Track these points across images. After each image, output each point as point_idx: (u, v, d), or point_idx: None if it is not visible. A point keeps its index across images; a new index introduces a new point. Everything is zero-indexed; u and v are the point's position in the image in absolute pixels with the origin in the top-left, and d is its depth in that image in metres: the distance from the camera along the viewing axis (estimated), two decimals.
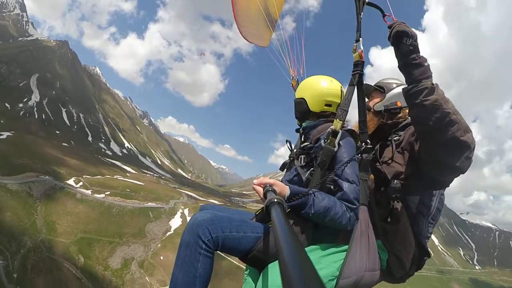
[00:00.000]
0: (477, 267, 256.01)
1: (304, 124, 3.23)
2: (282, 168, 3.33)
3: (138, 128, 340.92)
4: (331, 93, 3.10)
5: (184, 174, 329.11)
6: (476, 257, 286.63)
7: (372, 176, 3.02)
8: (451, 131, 2.32)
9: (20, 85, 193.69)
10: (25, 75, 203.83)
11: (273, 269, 2.35)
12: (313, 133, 3.05)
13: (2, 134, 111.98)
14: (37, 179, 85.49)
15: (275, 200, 1.91)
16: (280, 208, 1.78)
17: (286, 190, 2.45)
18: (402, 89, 2.64)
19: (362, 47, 2.91)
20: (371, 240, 2.67)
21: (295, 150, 3.20)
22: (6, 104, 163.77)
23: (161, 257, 79.17)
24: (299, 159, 2.98)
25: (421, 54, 2.50)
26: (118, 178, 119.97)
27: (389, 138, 3.23)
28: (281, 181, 2.68)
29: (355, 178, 2.64)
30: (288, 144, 3.37)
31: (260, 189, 2.32)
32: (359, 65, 2.91)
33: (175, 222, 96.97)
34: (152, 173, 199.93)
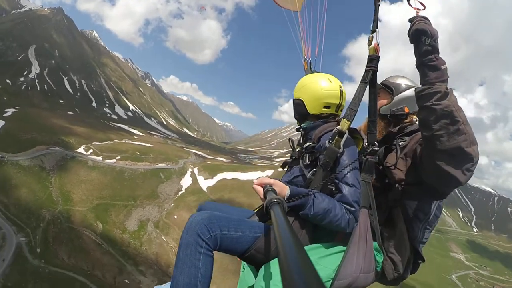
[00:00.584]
0: (474, 230, 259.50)
1: (304, 125, 3.19)
2: (283, 166, 3.30)
3: (141, 90, 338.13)
4: (329, 94, 3.02)
5: (190, 133, 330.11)
6: (474, 219, 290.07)
7: (373, 180, 2.96)
8: (458, 140, 2.27)
9: (19, 58, 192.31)
10: (23, 48, 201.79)
11: (273, 267, 2.38)
12: (314, 133, 3.01)
13: (7, 111, 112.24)
14: (47, 152, 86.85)
15: (275, 200, 1.93)
16: (280, 208, 1.79)
17: (286, 190, 2.46)
18: (415, 88, 2.54)
19: (378, 40, 2.76)
20: (368, 243, 2.69)
21: (297, 150, 3.21)
22: (7, 80, 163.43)
23: (175, 216, 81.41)
24: (304, 158, 2.96)
25: (440, 55, 2.41)
26: (127, 141, 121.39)
27: (394, 143, 3.16)
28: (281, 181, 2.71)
29: (355, 182, 2.64)
30: (290, 143, 3.38)
31: (260, 189, 2.35)
32: (374, 61, 2.80)
33: (186, 182, 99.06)
34: (159, 134, 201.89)
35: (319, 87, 3.01)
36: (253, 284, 2.54)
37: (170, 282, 2.61)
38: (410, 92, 3.31)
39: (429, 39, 2.35)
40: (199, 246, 2.21)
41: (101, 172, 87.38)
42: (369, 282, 2.68)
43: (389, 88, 3.42)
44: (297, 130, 3.30)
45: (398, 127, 3.33)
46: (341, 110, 3.12)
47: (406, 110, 3.31)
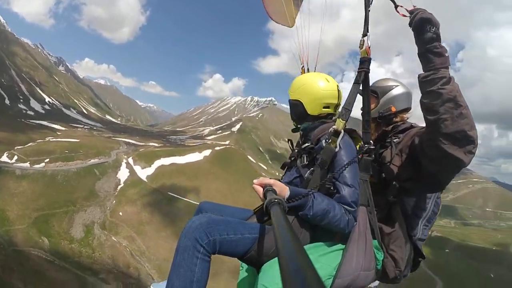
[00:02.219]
0: None
1: (304, 125, 3.20)
2: (283, 167, 3.33)
3: (56, 78, 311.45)
4: (329, 95, 3.05)
5: (114, 120, 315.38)
6: None
7: (370, 178, 3.02)
8: (461, 123, 2.36)
9: None
10: None
11: (273, 266, 2.39)
12: (313, 134, 3.03)
13: None
14: None
15: (275, 200, 1.94)
16: (280, 208, 1.80)
17: (286, 190, 2.48)
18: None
19: (369, 43, 2.88)
20: (368, 240, 2.72)
21: (296, 150, 3.23)
22: None
23: (120, 213, 77.98)
24: (301, 158, 3.00)
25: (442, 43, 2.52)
26: (51, 140, 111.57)
27: (388, 140, 3.25)
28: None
29: (354, 182, 2.67)
30: (289, 143, 3.43)
31: (260, 189, 2.36)
32: (366, 62, 2.90)
33: (123, 174, 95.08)
34: (82, 126, 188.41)
35: (318, 87, 3.05)
36: (253, 284, 2.57)
37: (165, 281, 2.74)
38: (395, 91, 3.54)
39: (434, 27, 2.44)
40: (197, 251, 2.25)
41: (32, 180, 78.95)
42: (370, 281, 2.74)
43: (374, 92, 3.54)
44: (293, 131, 3.36)
45: (391, 126, 3.43)
46: (339, 110, 3.13)
47: (393, 109, 3.48)
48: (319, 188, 2.66)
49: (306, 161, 2.94)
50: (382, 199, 3.03)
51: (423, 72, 2.54)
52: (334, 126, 2.79)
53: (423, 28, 2.47)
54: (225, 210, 3.12)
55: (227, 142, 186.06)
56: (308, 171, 2.84)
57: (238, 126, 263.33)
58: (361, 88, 2.99)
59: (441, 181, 2.76)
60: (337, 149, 2.72)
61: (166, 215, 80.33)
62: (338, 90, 3.13)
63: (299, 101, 3.14)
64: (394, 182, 2.96)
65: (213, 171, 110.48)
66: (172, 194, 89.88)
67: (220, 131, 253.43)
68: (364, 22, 2.91)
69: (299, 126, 3.30)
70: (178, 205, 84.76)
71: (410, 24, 2.56)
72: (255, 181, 2.46)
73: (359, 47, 2.91)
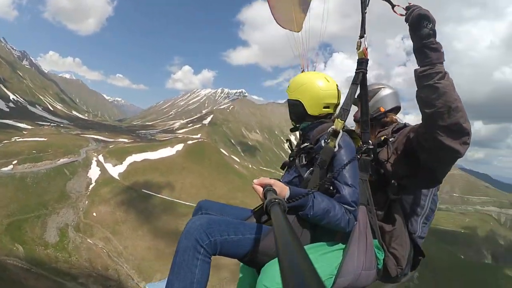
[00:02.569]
0: None
1: (303, 125, 3.19)
2: (283, 167, 3.33)
3: (20, 74, 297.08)
4: (329, 94, 3.05)
5: (81, 116, 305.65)
6: None
7: (369, 177, 3.07)
8: (456, 116, 2.44)
9: None
10: None
11: (274, 267, 2.37)
12: (312, 134, 3.04)
13: None
14: None
15: (275, 200, 1.93)
16: (280, 208, 1.79)
17: (286, 190, 2.48)
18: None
19: (366, 44, 2.94)
20: (368, 239, 2.75)
21: (295, 150, 3.23)
22: None
23: (94, 214, 75.89)
24: (300, 158, 3.00)
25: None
26: (17, 140, 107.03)
27: (384, 140, 3.28)
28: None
29: (354, 181, 2.69)
30: (288, 143, 3.47)
31: (260, 189, 2.36)
32: (363, 63, 2.96)
33: (94, 173, 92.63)
34: (48, 123, 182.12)
35: (318, 87, 3.04)
36: (253, 285, 2.60)
37: (161, 281, 2.76)
38: (381, 92, 3.71)
39: (431, 24, 2.52)
40: (197, 252, 2.26)
41: (0, 184, 75.13)
42: (371, 281, 2.77)
43: None
44: (292, 130, 3.35)
45: (386, 127, 3.60)
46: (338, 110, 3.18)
47: (382, 109, 3.64)
48: (318, 188, 2.67)
49: (305, 161, 2.95)
50: (381, 197, 3.10)
51: (420, 67, 2.61)
52: (333, 126, 2.80)
53: (420, 24, 2.53)
54: (225, 209, 3.11)
55: (198, 136, 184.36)
56: (308, 171, 2.87)
57: (209, 119, 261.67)
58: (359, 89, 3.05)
59: (438, 175, 2.82)
60: (336, 149, 2.75)
61: (141, 213, 79.08)
62: (338, 90, 3.14)
63: (298, 101, 3.13)
64: (393, 181, 3.04)
65: (186, 165, 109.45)
66: (146, 191, 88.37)
67: (191, 124, 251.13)
68: (361, 24, 2.98)
69: (297, 125, 3.28)
70: (153, 202, 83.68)
71: (406, 20, 2.63)
72: (255, 181, 2.47)
73: (356, 48, 2.97)
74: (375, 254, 2.80)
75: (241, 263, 2.86)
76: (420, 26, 2.53)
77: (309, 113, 3.11)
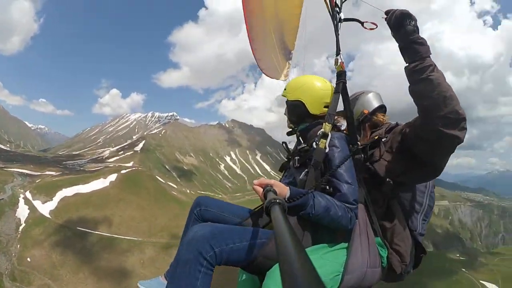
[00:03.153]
0: None
1: (301, 127, 3.26)
2: (281, 169, 3.40)
3: None
4: (328, 94, 3.14)
5: (2, 147, 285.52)
6: None
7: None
8: (452, 104, 2.50)
9: None
10: None
11: (277, 270, 2.17)
12: (309, 135, 3.13)
13: None
14: None
15: (275, 200, 1.90)
16: (280, 208, 1.77)
17: (286, 190, 2.46)
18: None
19: (342, 59, 3.13)
20: (370, 237, 2.76)
21: (292, 152, 3.28)
22: None
23: (28, 259, 69.78)
24: (294, 160, 3.06)
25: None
26: None
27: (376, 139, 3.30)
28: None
29: (353, 179, 2.75)
30: (284, 145, 3.46)
31: (260, 189, 2.34)
32: (342, 75, 3.10)
33: (23, 212, 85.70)
34: None
35: (318, 87, 3.15)
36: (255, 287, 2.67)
37: (154, 278, 2.83)
38: (361, 97, 3.88)
39: (413, 21, 2.64)
40: (199, 264, 2.19)
41: None
42: (376, 279, 2.77)
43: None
44: (288, 134, 3.44)
45: (378, 128, 3.67)
46: None
47: (366, 111, 3.76)
48: (315, 188, 2.67)
49: (298, 163, 3.00)
50: (379, 196, 3.11)
51: (410, 63, 2.67)
52: (322, 130, 2.87)
53: (403, 22, 2.64)
54: (224, 207, 3.09)
55: (131, 164, 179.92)
56: (303, 173, 2.89)
57: (141, 145, 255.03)
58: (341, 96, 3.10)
59: (437, 165, 2.84)
60: (327, 150, 2.81)
61: (80, 253, 74.34)
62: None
63: (300, 101, 3.18)
64: (388, 179, 3.04)
65: (122, 197, 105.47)
66: (81, 229, 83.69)
67: (122, 152, 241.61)
68: (336, 44, 3.17)
69: (295, 128, 3.35)
70: (91, 240, 79.41)
71: (389, 22, 2.74)
72: (255, 181, 2.42)
73: (334, 64, 3.14)
74: (378, 251, 2.81)
75: (240, 272, 2.86)
76: (404, 24, 2.64)
77: (311, 112, 3.16)
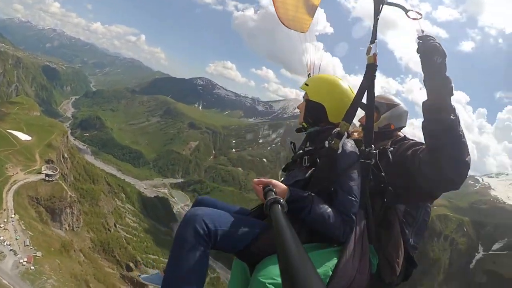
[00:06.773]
0: None
1: (310, 129, 3.07)
2: (284, 169, 3.21)
3: None
4: (350, 102, 2.80)
5: None
6: None
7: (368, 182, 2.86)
8: (462, 151, 2.43)
9: None
10: None
11: (270, 262, 2.31)
12: (319, 138, 2.90)
13: None
14: None
15: (275, 200, 1.91)
16: (280, 208, 1.78)
17: (286, 191, 2.44)
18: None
19: (376, 50, 2.76)
20: (364, 244, 2.66)
21: (298, 152, 3.08)
22: None
23: None
24: (304, 160, 2.87)
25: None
26: None
27: (384, 148, 3.17)
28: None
29: (356, 192, 2.59)
30: (292, 145, 3.34)
31: (260, 189, 2.36)
32: (373, 68, 2.75)
33: None
34: None
35: (345, 96, 2.93)
36: (247, 280, 2.66)
37: (156, 272, 3.22)
38: (396, 110, 3.61)
39: (441, 58, 2.44)
40: (196, 242, 2.18)
41: None
42: (364, 285, 2.64)
43: (376, 108, 3.28)
44: (297, 131, 3.28)
45: (390, 141, 3.55)
46: None
47: (392, 127, 3.56)
48: (319, 190, 2.59)
49: (307, 163, 2.82)
50: (377, 202, 2.96)
51: (429, 100, 2.53)
52: (337, 129, 2.68)
53: (432, 56, 2.45)
54: (225, 206, 3.05)
55: None
56: (308, 173, 2.75)
57: None
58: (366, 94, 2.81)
59: (433, 195, 2.97)
60: (339, 151, 2.62)
61: None
62: None
63: (321, 105, 2.95)
64: (390, 187, 2.91)
65: None
66: None
67: None
68: (373, 30, 2.83)
69: (307, 127, 3.14)
70: None
71: (419, 51, 2.53)
72: (255, 180, 2.47)
73: (366, 53, 2.81)
74: (370, 258, 2.72)
75: (234, 262, 2.91)
76: (431, 60, 2.46)
77: (330, 120, 2.96)
